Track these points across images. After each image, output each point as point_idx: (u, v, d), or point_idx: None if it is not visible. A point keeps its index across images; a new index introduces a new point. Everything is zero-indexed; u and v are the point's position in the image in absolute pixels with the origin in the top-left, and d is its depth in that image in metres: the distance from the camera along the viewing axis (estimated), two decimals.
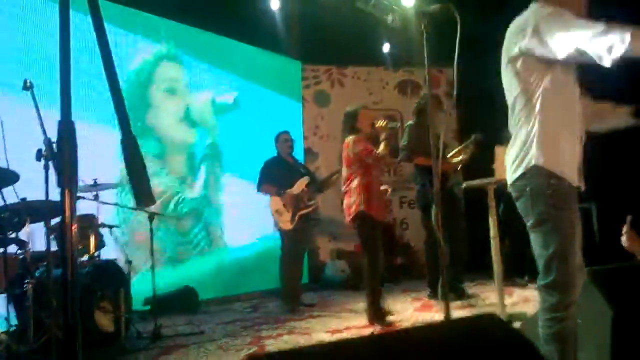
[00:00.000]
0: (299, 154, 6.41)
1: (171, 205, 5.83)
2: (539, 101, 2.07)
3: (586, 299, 2.34)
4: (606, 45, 1.78)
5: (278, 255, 5.18)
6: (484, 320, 1.31)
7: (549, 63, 2.03)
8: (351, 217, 4.11)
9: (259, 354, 1.00)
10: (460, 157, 4.73)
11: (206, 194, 6.23)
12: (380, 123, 4.23)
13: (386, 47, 7.21)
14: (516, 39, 2.09)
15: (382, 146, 4.07)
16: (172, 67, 6.11)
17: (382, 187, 4.86)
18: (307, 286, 6.17)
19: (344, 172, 4.19)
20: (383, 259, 4.09)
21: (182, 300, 5.47)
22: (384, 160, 4.16)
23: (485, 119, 4.12)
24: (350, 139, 4.15)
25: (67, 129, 0.99)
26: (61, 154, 0.99)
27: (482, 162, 4.37)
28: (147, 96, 5.85)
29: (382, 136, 4.14)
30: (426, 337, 1.18)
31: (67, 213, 1.00)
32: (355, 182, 4.08)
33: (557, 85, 2.06)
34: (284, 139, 5.26)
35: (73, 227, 1.03)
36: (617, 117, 2.26)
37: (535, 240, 2.09)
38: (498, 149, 3.64)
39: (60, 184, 0.98)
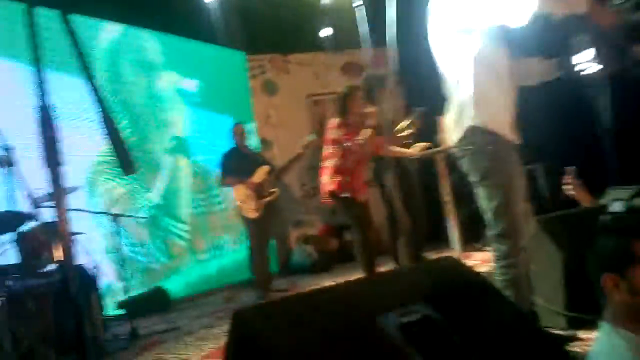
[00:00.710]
0: (254, 144, 6.49)
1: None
2: (469, 66, 2.26)
3: (537, 247, 2.56)
4: None
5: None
6: (442, 262, 1.46)
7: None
8: (325, 195, 4.21)
9: (247, 307, 1.11)
10: (409, 132, 4.86)
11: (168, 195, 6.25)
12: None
13: (326, 31, 7.31)
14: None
15: (366, 133, 4.01)
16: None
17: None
18: (276, 274, 6.29)
19: (324, 149, 4.24)
20: (368, 235, 4.03)
21: (154, 301, 5.49)
22: (365, 148, 4.08)
23: (428, 92, 4.29)
24: (334, 121, 4.16)
25: (46, 114, 1.07)
26: (44, 140, 1.07)
27: (429, 133, 4.58)
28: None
29: (369, 122, 4.08)
30: (391, 281, 1.32)
31: (60, 206, 1.09)
32: (330, 162, 4.13)
33: (485, 49, 2.24)
34: (238, 131, 5.33)
35: (67, 222, 1.13)
36: (543, 71, 2.43)
37: (480, 194, 2.27)
38: (442, 119, 3.83)
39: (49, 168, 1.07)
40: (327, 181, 4.14)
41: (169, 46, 6.55)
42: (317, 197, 7.11)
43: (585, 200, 2.92)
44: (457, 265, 1.46)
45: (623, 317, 1.24)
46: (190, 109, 6.67)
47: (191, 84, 6.68)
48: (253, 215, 5.01)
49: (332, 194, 4.10)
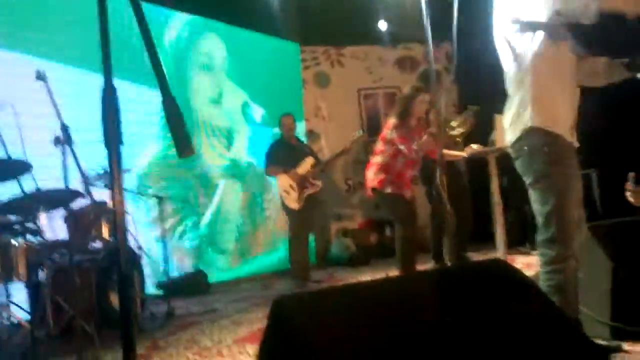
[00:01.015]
0: (301, 136, 6.49)
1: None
2: (531, 63, 2.16)
3: (587, 254, 2.44)
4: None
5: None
6: (490, 264, 1.39)
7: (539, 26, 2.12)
8: (369, 189, 4.18)
9: (288, 295, 1.09)
10: (461, 131, 4.76)
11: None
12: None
13: (383, 24, 7.23)
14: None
15: (423, 138, 3.96)
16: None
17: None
18: (314, 265, 6.29)
19: (376, 144, 4.22)
20: (411, 232, 4.00)
21: (193, 283, 5.59)
22: (419, 154, 4.04)
23: (485, 90, 4.15)
24: (393, 121, 4.11)
25: (110, 95, 1.09)
26: (105, 121, 1.09)
27: (482, 132, 4.45)
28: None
29: (430, 130, 4.02)
30: (436, 280, 1.27)
31: (116, 184, 1.10)
32: (378, 159, 4.11)
33: (548, 45, 2.14)
34: (286, 122, 5.34)
35: (122, 201, 1.15)
36: (611, 71, 2.30)
37: (534, 197, 2.18)
38: (498, 118, 3.70)
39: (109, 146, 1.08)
40: (371, 177, 4.10)
41: (227, 36, 6.61)
42: (360, 192, 7.09)
43: None
44: (505, 268, 1.39)
45: None
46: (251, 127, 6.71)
47: (258, 112, 6.73)
48: (295, 205, 5.01)
49: (375, 190, 4.07)
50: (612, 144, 5.18)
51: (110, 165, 1.22)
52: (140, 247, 4.45)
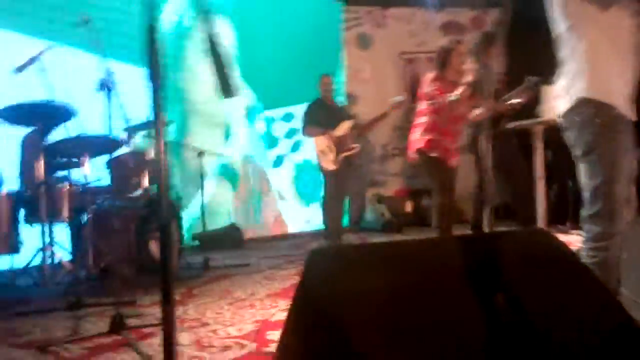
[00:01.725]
0: (341, 98, 6.42)
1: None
2: (585, 32, 2.05)
3: (633, 234, 2.36)
4: None
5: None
6: (532, 233, 1.36)
7: None
8: (411, 153, 4.03)
9: (325, 247, 1.09)
10: (519, 100, 4.51)
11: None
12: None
13: None
14: None
15: (459, 90, 3.69)
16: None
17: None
18: (347, 229, 6.31)
19: (418, 105, 4.05)
20: (449, 200, 3.85)
21: (228, 237, 5.72)
22: (458, 106, 3.77)
23: (534, 59, 3.98)
24: (430, 75, 3.95)
25: (153, 37, 1.08)
26: (150, 64, 1.09)
27: (528, 104, 4.29)
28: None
29: (466, 78, 3.73)
30: (474, 246, 1.24)
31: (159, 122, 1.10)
32: (422, 119, 3.94)
33: (603, 14, 2.02)
34: (325, 82, 5.28)
35: (165, 149, 1.16)
36: None
37: (582, 170, 2.11)
38: (547, 90, 3.58)
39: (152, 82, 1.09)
40: (417, 138, 3.94)
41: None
42: (397, 159, 7.02)
43: None
44: (548, 238, 1.35)
45: None
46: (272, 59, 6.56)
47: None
48: (331, 167, 5.01)
49: (421, 152, 3.91)
50: None
51: (155, 114, 1.23)
52: (179, 198, 4.55)
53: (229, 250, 5.44)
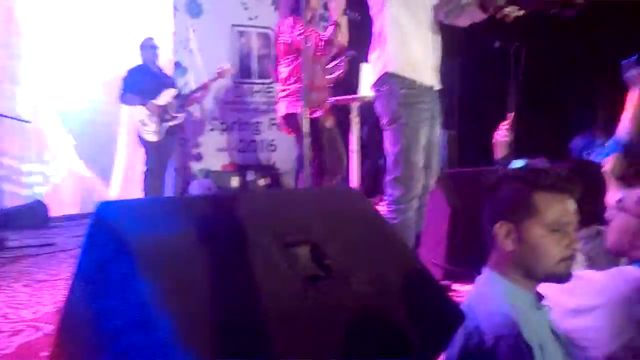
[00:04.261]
0: (167, 68, 6.06)
1: None
2: (385, 8, 2.20)
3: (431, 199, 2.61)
4: None
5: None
6: (342, 191, 1.39)
7: None
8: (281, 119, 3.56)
9: (113, 201, 0.96)
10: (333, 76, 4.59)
11: None
12: None
13: None
14: None
15: (330, 30, 3.32)
16: None
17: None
18: None
19: (280, 69, 3.53)
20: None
21: (30, 215, 5.09)
22: (330, 48, 3.37)
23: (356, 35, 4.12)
24: (286, 21, 3.45)
25: None
26: None
27: (349, 81, 4.46)
28: None
29: (337, 17, 3.31)
30: (284, 199, 1.23)
31: None
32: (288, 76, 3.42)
33: None
34: (149, 46, 4.94)
35: None
36: (464, 10, 2.31)
37: (387, 138, 2.26)
38: (364, 67, 3.75)
39: None
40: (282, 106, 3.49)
41: None
42: (227, 133, 6.88)
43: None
44: (355, 196, 1.40)
45: (506, 266, 1.25)
46: None
47: None
48: (152, 138, 4.73)
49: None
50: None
51: None
52: None
53: (33, 229, 4.85)
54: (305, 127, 2.49)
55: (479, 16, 2.26)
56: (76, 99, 5.70)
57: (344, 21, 3.33)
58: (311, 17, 3.41)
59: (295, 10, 3.35)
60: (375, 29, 2.30)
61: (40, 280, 2.93)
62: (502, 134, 2.33)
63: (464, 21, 2.34)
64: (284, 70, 3.49)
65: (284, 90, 3.47)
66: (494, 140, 2.36)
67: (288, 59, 3.45)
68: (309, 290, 1.00)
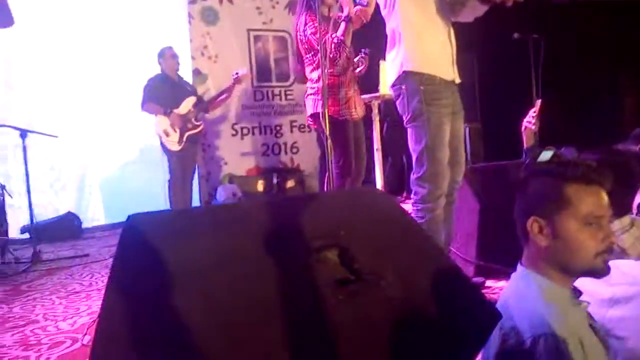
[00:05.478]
0: (186, 76, 6.12)
1: None
2: (397, 7, 2.18)
3: (460, 197, 2.57)
4: None
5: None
6: (368, 192, 1.38)
7: None
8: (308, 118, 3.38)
9: (143, 213, 0.97)
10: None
11: None
12: None
13: None
14: None
15: (341, 28, 3.09)
16: None
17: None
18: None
19: (306, 68, 3.35)
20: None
21: (64, 227, 5.20)
22: (344, 46, 3.13)
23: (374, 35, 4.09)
24: (300, 19, 3.24)
25: None
26: None
27: (370, 79, 4.44)
28: None
29: (347, 12, 3.06)
30: (311, 203, 1.22)
31: None
32: (314, 75, 3.22)
33: None
34: (169, 55, 4.97)
35: None
36: (465, 5, 2.27)
37: (410, 136, 2.24)
38: (382, 65, 3.73)
39: None
40: (309, 103, 3.31)
41: None
42: (248, 137, 6.92)
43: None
44: (382, 197, 1.38)
45: (541, 262, 1.22)
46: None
47: None
48: (175, 148, 4.77)
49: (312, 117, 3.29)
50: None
51: None
52: (1, 186, 4.02)
53: (66, 240, 4.95)
54: (327, 127, 2.47)
55: (480, 9, 2.24)
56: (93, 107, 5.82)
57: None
58: (328, 13, 3.23)
59: (309, 7, 3.18)
60: (389, 28, 2.28)
61: (76, 291, 2.99)
62: (531, 122, 2.28)
63: (467, 16, 2.31)
64: (309, 68, 3.35)
65: (312, 88, 3.29)
66: (522, 129, 2.31)
67: (308, 57, 3.30)
68: (340, 295, 0.99)
